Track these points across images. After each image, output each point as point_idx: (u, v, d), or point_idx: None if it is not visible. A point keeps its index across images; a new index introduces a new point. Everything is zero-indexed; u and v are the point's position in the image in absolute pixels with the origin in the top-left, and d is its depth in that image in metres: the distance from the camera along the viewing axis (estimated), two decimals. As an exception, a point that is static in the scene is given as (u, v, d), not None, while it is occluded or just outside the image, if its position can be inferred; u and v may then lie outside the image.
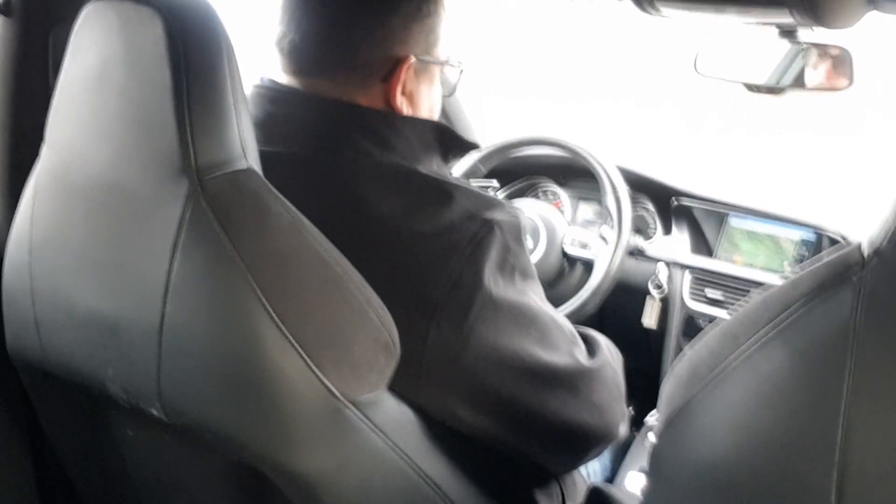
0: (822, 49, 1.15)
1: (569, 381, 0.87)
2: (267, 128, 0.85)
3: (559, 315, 0.91)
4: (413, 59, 0.86)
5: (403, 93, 0.87)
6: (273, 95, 0.87)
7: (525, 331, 0.84)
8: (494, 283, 0.81)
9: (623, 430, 0.96)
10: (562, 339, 0.88)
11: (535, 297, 0.87)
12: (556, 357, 0.86)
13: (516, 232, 0.84)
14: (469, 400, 0.83)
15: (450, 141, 0.91)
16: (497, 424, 0.85)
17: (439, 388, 0.81)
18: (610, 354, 0.96)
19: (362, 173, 0.83)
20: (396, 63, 0.85)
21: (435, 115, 0.94)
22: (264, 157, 0.78)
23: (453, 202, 0.82)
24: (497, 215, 0.82)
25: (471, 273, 0.79)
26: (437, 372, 0.81)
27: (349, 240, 0.77)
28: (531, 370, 0.84)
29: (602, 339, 0.98)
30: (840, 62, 1.17)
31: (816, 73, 1.18)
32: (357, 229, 0.80)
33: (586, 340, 0.95)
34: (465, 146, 0.94)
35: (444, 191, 0.83)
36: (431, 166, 0.88)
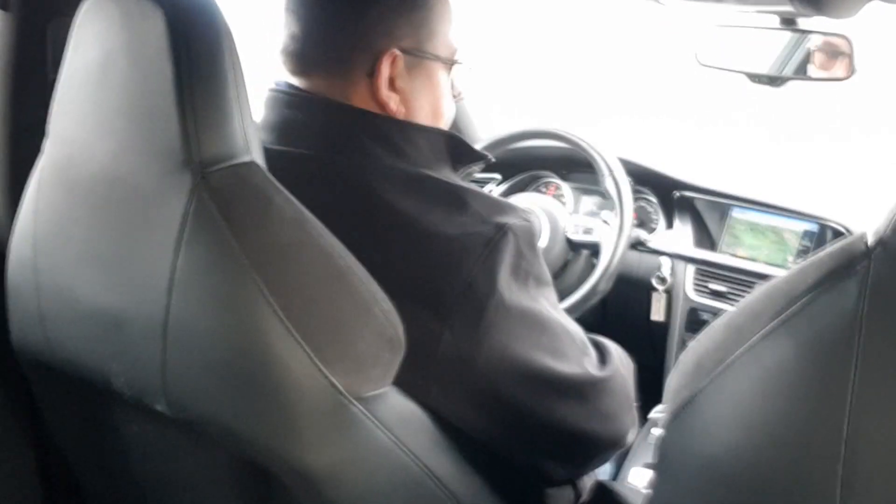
0: (823, 38, 1.14)
1: (578, 389, 0.87)
2: (282, 130, 0.86)
3: (571, 323, 0.90)
4: (396, 52, 0.85)
5: (394, 89, 0.86)
6: (288, 99, 0.87)
7: (536, 338, 0.84)
8: (508, 288, 0.81)
9: (631, 437, 0.96)
10: (572, 347, 0.88)
11: (547, 304, 0.87)
12: (565, 366, 0.86)
13: (530, 237, 0.84)
14: (478, 404, 0.83)
15: (460, 151, 0.91)
16: (504, 430, 0.85)
17: (450, 390, 0.81)
18: (620, 363, 0.96)
19: (375, 176, 0.83)
20: (377, 57, 0.85)
21: (442, 118, 0.93)
22: (279, 156, 0.78)
23: (467, 206, 0.82)
24: (511, 220, 0.82)
25: (485, 277, 0.79)
26: (449, 375, 0.81)
27: (366, 236, 0.77)
28: (540, 378, 0.84)
29: (613, 347, 0.98)
30: (841, 52, 1.16)
31: (816, 62, 1.17)
32: (374, 226, 0.81)
33: (598, 348, 0.95)
34: (476, 157, 0.93)
35: (457, 195, 0.83)
36: (441, 173, 0.88)
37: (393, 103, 0.86)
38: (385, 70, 0.85)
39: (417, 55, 0.87)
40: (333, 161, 0.84)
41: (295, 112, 0.87)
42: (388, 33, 0.85)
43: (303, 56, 0.87)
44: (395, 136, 0.85)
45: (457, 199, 0.82)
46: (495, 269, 0.79)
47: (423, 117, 0.90)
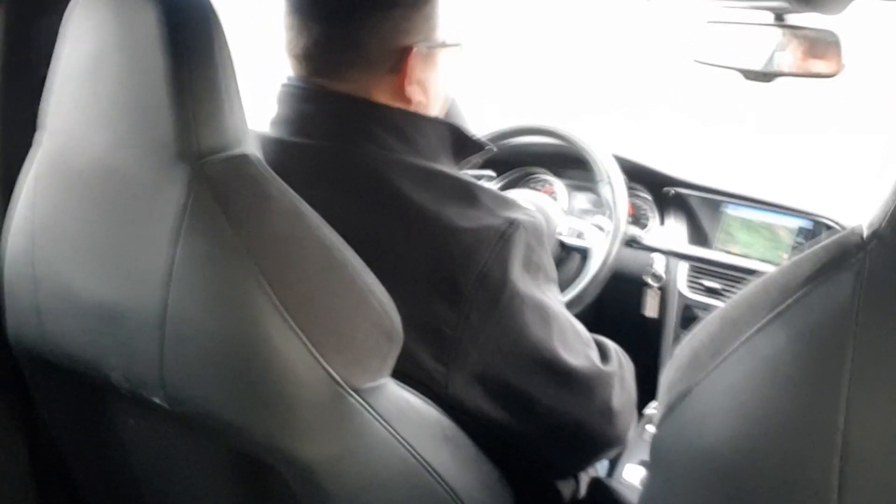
0: (813, 34, 1.14)
1: (585, 382, 0.89)
2: (297, 123, 0.88)
3: (574, 319, 0.93)
4: (418, 48, 0.87)
5: (415, 81, 0.88)
6: (301, 94, 0.89)
7: (546, 328, 0.86)
8: (520, 279, 0.83)
9: (629, 435, 0.98)
10: (578, 341, 0.90)
11: (554, 298, 0.89)
12: (572, 358, 0.88)
13: (538, 233, 0.86)
14: (491, 393, 0.84)
15: (463, 142, 0.94)
16: (513, 419, 0.86)
17: (466, 380, 0.83)
18: (621, 361, 0.99)
19: (390, 167, 0.85)
20: (402, 54, 0.87)
21: (447, 101, 0.96)
22: (296, 147, 0.80)
23: (478, 200, 0.85)
24: (519, 215, 0.85)
25: (498, 267, 0.81)
26: (465, 364, 0.82)
27: (382, 226, 0.79)
28: (550, 366, 0.86)
29: (614, 347, 1.00)
30: (829, 48, 1.17)
31: (806, 58, 1.18)
32: (390, 216, 0.82)
33: (599, 346, 0.97)
34: (477, 147, 0.96)
35: (468, 190, 0.86)
36: (447, 165, 0.91)
37: (418, 95, 0.89)
38: (412, 66, 0.87)
39: (430, 46, 0.89)
40: (348, 151, 0.86)
41: (310, 105, 0.88)
42: (409, 30, 0.87)
43: (326, 59, 0.88)
44: (408, 128, 0.88)
45: (467, 194, 0.85)
46: (508, 260, 0.82)
47: (437, 104, 0.93)
